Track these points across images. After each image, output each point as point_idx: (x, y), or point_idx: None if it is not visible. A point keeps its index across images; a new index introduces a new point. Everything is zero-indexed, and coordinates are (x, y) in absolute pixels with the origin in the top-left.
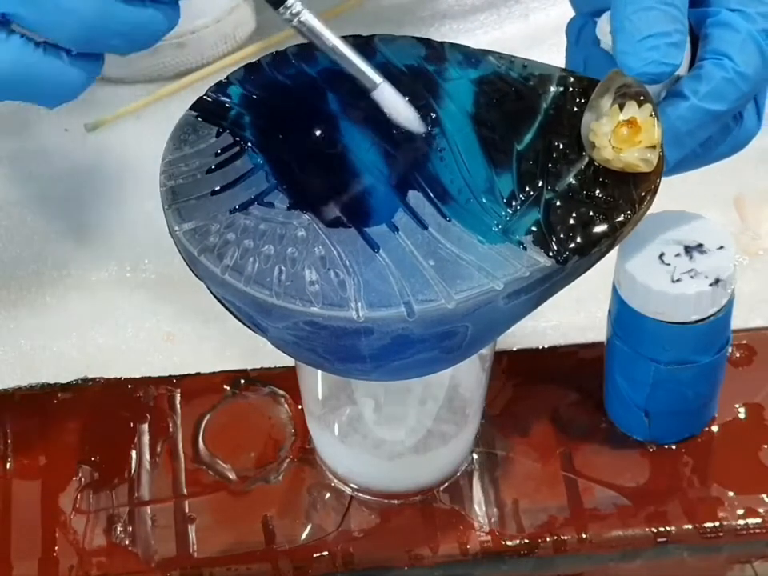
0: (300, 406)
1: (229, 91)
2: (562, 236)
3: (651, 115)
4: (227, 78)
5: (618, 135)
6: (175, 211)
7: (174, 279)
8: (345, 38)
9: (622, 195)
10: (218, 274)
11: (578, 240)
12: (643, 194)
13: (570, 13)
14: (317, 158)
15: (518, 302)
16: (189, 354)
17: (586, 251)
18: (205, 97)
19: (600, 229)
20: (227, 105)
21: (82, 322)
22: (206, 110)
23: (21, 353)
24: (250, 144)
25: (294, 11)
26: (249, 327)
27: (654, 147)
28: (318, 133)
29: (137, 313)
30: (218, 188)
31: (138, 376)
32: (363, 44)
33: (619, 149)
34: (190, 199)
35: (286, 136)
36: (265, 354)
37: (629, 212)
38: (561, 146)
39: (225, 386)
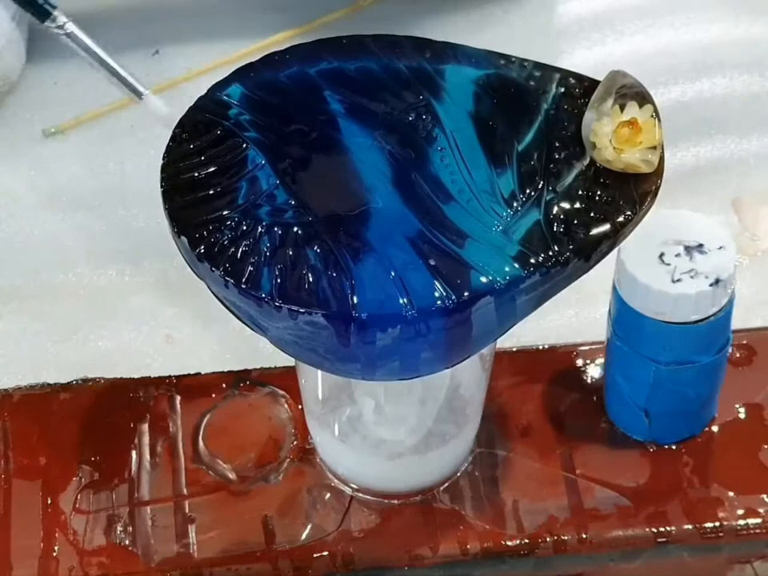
0: (300, 406)
1: (229, 90)
2: (562, 237)
3: (652, 116)
4: (227, 77)
5: (619, 136)
6: (176, 211)
7: (173, 282)
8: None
9: (623, 196)
10: (219, 274)
11: (579, 241)
12: (644, 194)
13: None
14: (317, 158)
15: (518, 303)
16: (188, 356)
17: (586, 252)
18: (205, 96)
19: (601, 230)
20: (228, 104)
21: (81, 325)
22: (207, 108)
23: (21, 356)
24: (250, 143)
25: (59, 23)
26: (249, 327)
27: (654, 148)
28: (318, 132)
29: (136, 316)
30: (219, 188)
31: (137, 376)
32: (365, 42)
33: (620, 149)
34: (190, 199)
35: (286, 135)
36: (264, 357)
37: (629, 213)
38: (561, 147)
39: (225, 386)
